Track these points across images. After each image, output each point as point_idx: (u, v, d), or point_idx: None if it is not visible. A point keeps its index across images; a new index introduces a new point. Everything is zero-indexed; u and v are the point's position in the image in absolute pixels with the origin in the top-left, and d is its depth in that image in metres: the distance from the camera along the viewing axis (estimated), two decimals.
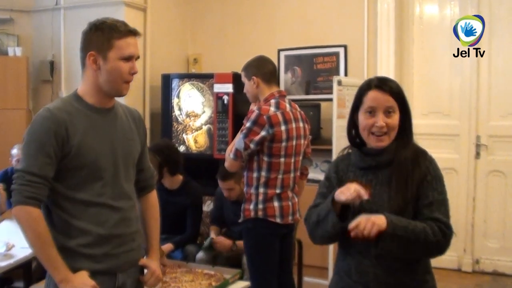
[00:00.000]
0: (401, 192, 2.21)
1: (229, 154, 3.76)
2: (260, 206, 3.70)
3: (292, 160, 3.84)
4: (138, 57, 2.45)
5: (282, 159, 3.77)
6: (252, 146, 3.66)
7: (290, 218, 3.78)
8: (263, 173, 3.71)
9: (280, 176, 3.74)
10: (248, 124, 3.68)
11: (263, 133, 3.65)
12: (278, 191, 3.72)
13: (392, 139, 2.28)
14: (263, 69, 3.89)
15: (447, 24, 5.85)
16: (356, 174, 2.35)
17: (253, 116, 3.69)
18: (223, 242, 4.49)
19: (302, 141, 3.89)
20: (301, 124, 3.87)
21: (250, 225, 3.76)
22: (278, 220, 3.71)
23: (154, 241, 2.70)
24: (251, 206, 3.72)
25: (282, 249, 3.87)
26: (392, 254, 2.19)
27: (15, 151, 5.39)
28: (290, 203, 3.79)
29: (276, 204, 3.71)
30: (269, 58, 4.05)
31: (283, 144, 3.74)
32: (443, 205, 2.23)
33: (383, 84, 2.28)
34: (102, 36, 2.34)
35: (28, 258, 3.99)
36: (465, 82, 5.95)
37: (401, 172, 2.24)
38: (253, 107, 3.91)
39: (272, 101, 3.78)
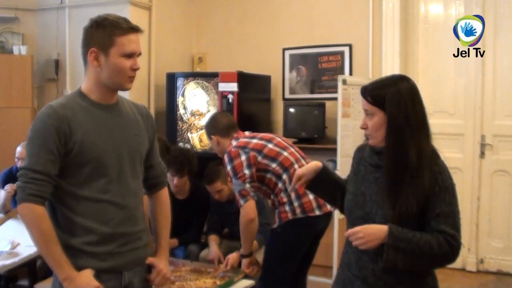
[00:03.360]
0: (391, 199, 2.21)
1: (240, 205, 3.75)
2: (296, 203, 3.67)
3: (292, 150, 3.90)
4: (140, 54, 2.43)
5: (284, 152, 3.83)
6: (247, 172, 3.71)
7: (328, 206, 3.74)
8: (284, 176, 3.73)
9: (296, 166, 3.75)
10: (229, 167, 3.78)
11: (243, 157, 3.75)
12: None
13: (380, 139, 2.30)
14: (218, 126, 4.05)
15: (452, 23, 5.79)
16: (367, 170, 2.39)
17: (226, 159, 3.80)
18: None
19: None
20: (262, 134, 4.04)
21: (280, 230, 3.73)
22: (317, 212, 3.69)
23: (163, 240, 2.67)
24: (287, 208, 3.68)
25: (308, 251, 3.88)
26: (398, 268, 2.19)
27: (19, 148, 5.40)
28: None
29: (311, 196, 3.68)
30: (224, 112, 4.36)
31: (269, 145, 3.84)
32: (451, 217, 2.19)
33: (363, 89, 2.33)
34: (104, 32, 2.33)
35: (32, 256, 4.00)
36: (470, 81, 5.94)
37: (390, 177, 2.24)
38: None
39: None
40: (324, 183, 2.56)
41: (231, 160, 3.76)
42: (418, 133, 2.24)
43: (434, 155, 2.28)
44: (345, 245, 2.46)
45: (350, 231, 2.21)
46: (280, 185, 3.72)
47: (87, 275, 2.29)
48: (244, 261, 3.89)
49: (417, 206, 2.18)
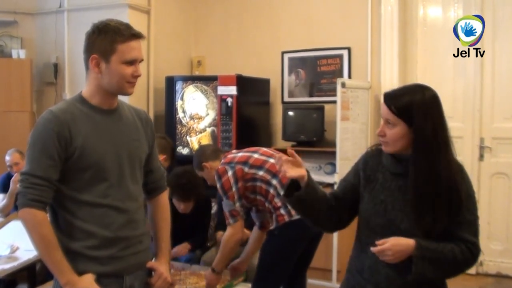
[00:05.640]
0: (418, 214, 2.19)
1: (229, 224, 3.79)
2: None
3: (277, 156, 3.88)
4: (142, 60, 2.43)
5: (270, 160, 3.82)
6: (234, 189, 3.72)
7: None
8: (274, 181, 3.72)
9: None
10: (218, 185, 3.79)
11: (229, 173, 3.76)
12: None
13: (397, 149, 2.27)
14: (205, 153, 4.08)
15: (450, 26, 5.78)
16: (386, 178, 2.33)
17: (216, 177, 3.81)
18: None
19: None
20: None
21: (277, 232, 3.72)
22: None
23: (163, 243, 2.68)
24: (282, 211, 3.67)
25: (306, 252, 3.87)
26: (426, 277, 2.19)
27: (7, 157, 5.42)
28: None
29: None
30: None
31: (255, 155, 3.85)
32: (473, 225, 2.24)
33: (387, 97, 2.28)
34: (105, 39, 2.32)
35: (32, 260, 3.99)
36: (469, 84, 5.94)
37: (418, 192, 2.20)
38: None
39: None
40: (308, 197, 2.37)
41: (219, 178, 3.78)
42: (445, 144, 2.22)
43: (458, 165, 2.29)
44: (356, 250, 2.44)
45: (380, 248, 2.17)
46: (271, 191, 3.72)
47: (88, 279, 2.29)
48: (213, 277, 3.87)
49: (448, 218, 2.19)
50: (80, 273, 2.29)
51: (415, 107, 2.20)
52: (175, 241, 4.41)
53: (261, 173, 3.75)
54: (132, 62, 2.36)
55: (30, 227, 2.25)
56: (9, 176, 5.40)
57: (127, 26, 2.38)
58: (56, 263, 2.26)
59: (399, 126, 2.23)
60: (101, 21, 2.39)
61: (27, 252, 3.95)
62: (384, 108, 2.26)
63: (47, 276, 4.06)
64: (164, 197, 2.75)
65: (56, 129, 2.26)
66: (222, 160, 3.89)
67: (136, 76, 2.39)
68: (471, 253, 2.20)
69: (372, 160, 2.42)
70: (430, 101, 2.24)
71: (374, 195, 2.33)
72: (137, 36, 2.38)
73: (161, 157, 4.33)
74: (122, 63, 2.34)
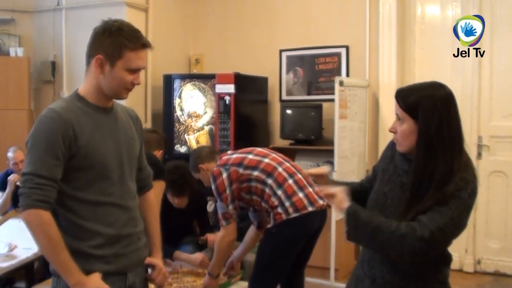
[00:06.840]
0: (407, 212, 2.13)
1: (222, 225, 3.79)
2: (287, 203, 3.65)
3: (274, 155, 3.91)
4: (144, 68, 2.43)
5: (265, 159, 3.83)
6: (228, 192, 3.73)
7: (321, 201, 3.71)
8: (269, 181, 3.72)
9: (280, 169, 3.77)
10: (213, 187, 3.80)
11: (224, 175, 3.75)
12: (290, 180, 3.72)
13: (407, 148, 2.22)
14: (201, 154, 4.11)
15: (448, 24, 5.84)
16: (394, 171, 2.30)
17: (211, 179, 3.82)
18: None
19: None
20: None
21: (274, 230, 3.71)
22: (310, 208, 3.66)
23: (156, 239, 2.68)
24: (279, 209, 3.65)
25: (304, 250, 3.86)
26: (355, 240, 2.22)
27: (10, 154, 5.41)
28: (311, 190, 3.74)
29: (301, 194, 3.68)
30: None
31: (249, 156, 3.85)
32: (439, 216, 2.04)
33: (398, 92, 2.24)
34: (115, 43, 2.30)
35: (30, 258, 3.99)
36: (467, 82, 5.94)
37: (412, 191, 2.14)
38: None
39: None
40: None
41: (214, 179, 3.78)
42: (450, 147, 2.14)
43: (465, 167, 2.18)
44: None
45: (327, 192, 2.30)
46: (267, 190, 3.72)
47: (97, 278, 2.28)
48: (210, 281, 3.87)
49: None
50: (87, 272, 2.27)
51: (422, 102, 2.16)
52: (174, 238, 4.42)
53: (256, 173, 3.75)
54: (135, 71, 2.36)
55: (36, 229, 2.21)
56: (7, 174, 5.39)
57: (138, 34, 2.36)
58: (64, 264, 2.23)
59: (407, 123, 2.18)
60: (113, 22, 2.35)
61: (25, 250, 3.95)
62: (396, 103, 2.23)
63: (45, 274, 4.06)
64: (152, 195, 2.76)
65: (61, 128, 2.23)
66: (217, 162, 3.89)
67: (135, 84, 2.39)
68: (412, 229, 2.02)
69: (393, 149, 2.37)
70: (441, 98, 2.18)
71: (381, 186, 2.32)
72: (146, 46, 2.37)
73: (158, 153, 4.33)
74: (126, 70, 2.33)
